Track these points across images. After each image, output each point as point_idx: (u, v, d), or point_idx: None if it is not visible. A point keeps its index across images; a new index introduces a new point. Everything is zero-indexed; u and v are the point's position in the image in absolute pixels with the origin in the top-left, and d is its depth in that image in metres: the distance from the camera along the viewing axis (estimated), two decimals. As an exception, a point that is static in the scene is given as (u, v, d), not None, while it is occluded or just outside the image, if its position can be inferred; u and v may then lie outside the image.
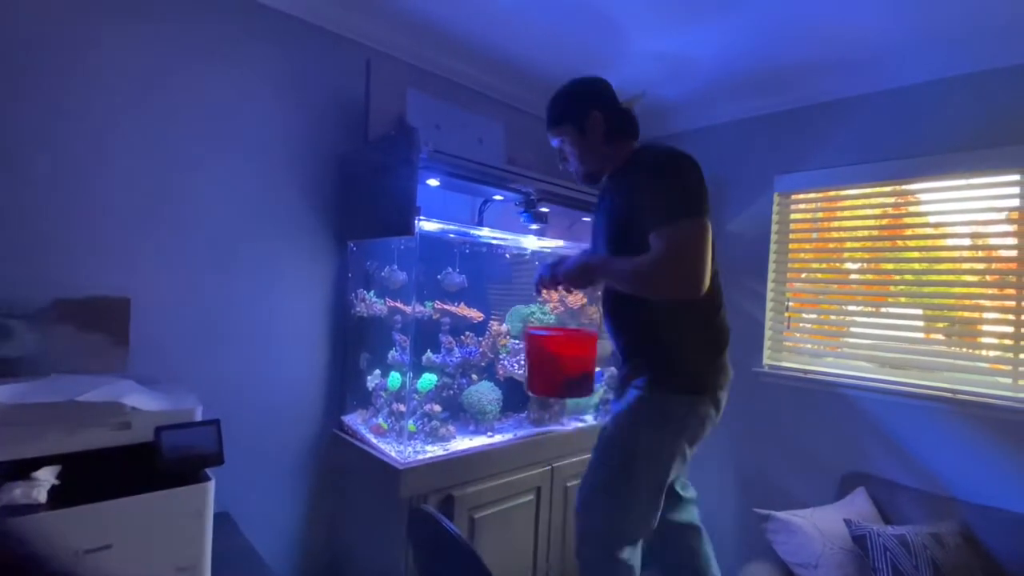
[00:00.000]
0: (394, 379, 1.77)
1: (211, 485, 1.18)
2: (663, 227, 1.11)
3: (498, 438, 1.79)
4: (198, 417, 1.24)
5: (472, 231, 1.83)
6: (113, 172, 1.44)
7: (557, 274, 1.33)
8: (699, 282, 1.09)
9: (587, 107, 1.33)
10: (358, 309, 1.86)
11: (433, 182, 1.74)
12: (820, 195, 2.25)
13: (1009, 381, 1.78)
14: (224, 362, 1.63)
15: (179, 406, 1.23)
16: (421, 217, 1.52)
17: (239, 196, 1.65)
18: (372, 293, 1.87)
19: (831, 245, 2.25)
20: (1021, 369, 1.77)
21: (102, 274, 1.42)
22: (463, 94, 2.23)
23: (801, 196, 2.30)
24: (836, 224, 2.24)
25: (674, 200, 1.13)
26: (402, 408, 1.68)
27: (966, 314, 1.90)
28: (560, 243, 2.10)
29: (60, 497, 1.03)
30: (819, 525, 1.73)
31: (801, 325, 2.32)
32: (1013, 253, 1.81)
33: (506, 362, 1.95)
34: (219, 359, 1.62)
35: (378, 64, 1.78)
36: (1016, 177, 1.79)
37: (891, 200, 2.09)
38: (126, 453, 1.14)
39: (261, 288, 1.71)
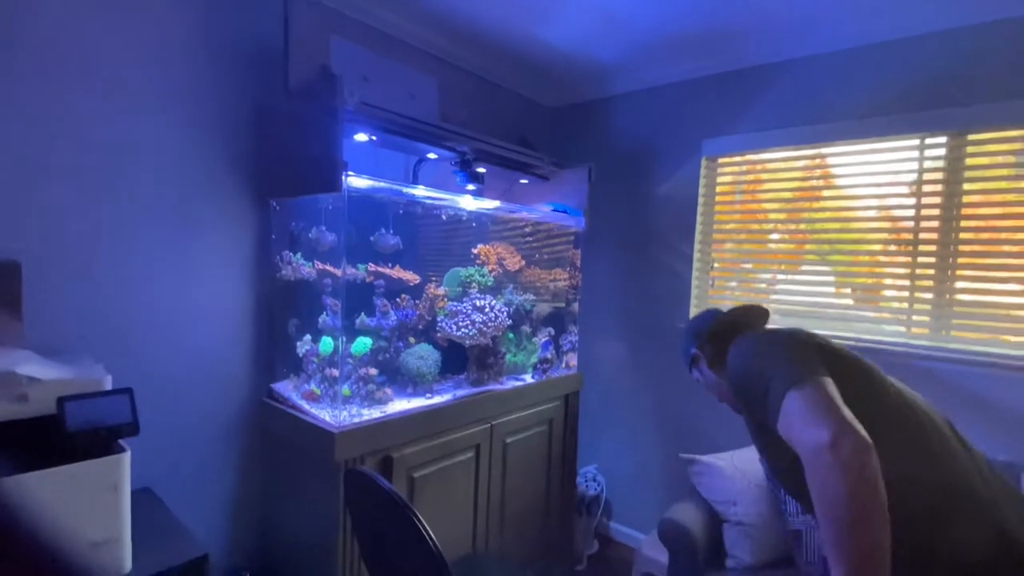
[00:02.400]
0: (326, 344, 1.72)
1: (126, 456, 1.11)
2: (784, 402, 0.88)
3: (437, 399, 1.79)
4: (107, 386, 1.15)
5: (405, 189, 1.77)
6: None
7: None
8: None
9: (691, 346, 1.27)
10: (284, 272, 1.77)
11: (362, 137, 1.66)
12: (744, 159, 2.35)
13: (904, 330, 1.97)
14: (135, 331, 1.52)
15: (84, 375, 1.14)
16: (349, 173, 1.45)
17: (144, 152, 1.51)
18: (299, 255, 1.79)
19: (753, 206, 2.37)
20: (914, 318, 1.96)
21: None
22: (394, 46, 2.12)
23: (727, 160, 2.39)
24: (758, 187, 2.35)
25: (783, 375, 0.89)
26: (335, 373, 1.63)
27: (871, 280, 2.08)
28: (497, 204, 2.08)
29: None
30: (738, 465, 1.86)
31: (728, 284, 2.44)
32: (910, 224, 1.97)
33: (445, 324, 1.94)
34: (128, 328, 1.51)
35: (298, 8, 1.66)
36: (915, 142, 1.94)
37: (808, 164, 2.22)
38: (25, 427, 1.04)
39: (173, 251, 1.59)
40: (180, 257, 1.60)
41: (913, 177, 1.96)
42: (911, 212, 1.97)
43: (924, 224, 1.94)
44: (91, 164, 1.42)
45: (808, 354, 0.90)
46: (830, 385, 0.82)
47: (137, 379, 1.30)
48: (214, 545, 1.71)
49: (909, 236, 1.98)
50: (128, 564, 1.12)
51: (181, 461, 1.62)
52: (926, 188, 1.94)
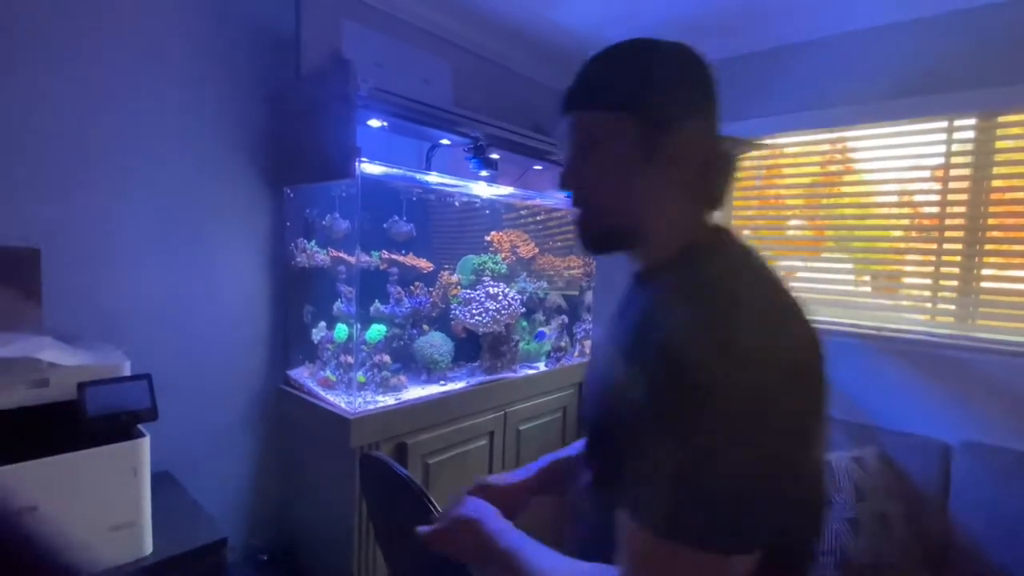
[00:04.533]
0: (341, 331, 1.72)
1: (146, 441, 1.12)
2: (633, 526, 0.49)
3: (451, 386, 1.79)
4: (126, 372, 1.17)
5: (419, 175, 1.76)
6: (12, 116, 1.28)
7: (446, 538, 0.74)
8: None
9: (674, 101, 0.61)
10: (299, 260, 1.77)
11: (375, 123, 1.65)
12: (763, 143, 2.29)
13: (927, 318, 1.92)
14: (152, 317, 1.53)
15: (103, 361, 1.15)
16: (363, 159, 1.44)
17: (159, 139, 1.51)
18: (313, 243, 1.79)
19: (771, 192, 2.32)
20: (939, 306, 1.91)
21: (6, 223, 1.28)
22: (407, 31, 2.10)
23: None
24: (778, 173, 2.30)
25: (688, 484, 0.46)
26: (350, 360, 1.64)
27: (892, 267, 2.03)
28: (510, 190, 2.06)
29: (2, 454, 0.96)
30: (755, 455, 1.84)
31: (743, 271, 2.41)
32: (935, 210, 1.91)
33: (459, 312, 1.93)
34: (146, 314, 1.52)
35: (310, -8, 1.64)
36: (943, 124, 1.88)
37: (829, 148, 2.16)
38: (46, 412, 1.06)
39: (189, 238, 1.59)
40: (196, 244, 1.60)
41: (939, 161, 1.90)
42: (936, 197, 1.91)
43: (951, 210, 1.88)
44: (107, 153, 1.43)
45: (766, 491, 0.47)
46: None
47: (155, 365, 1.31)
48: (232, 528, 1.73)
49: (934, 222, 1.92)
50: (148, 547, 1.13)
51: (199, 446, 1.64)
52: (953, 172, 1.88)
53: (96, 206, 1.42)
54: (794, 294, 0.57)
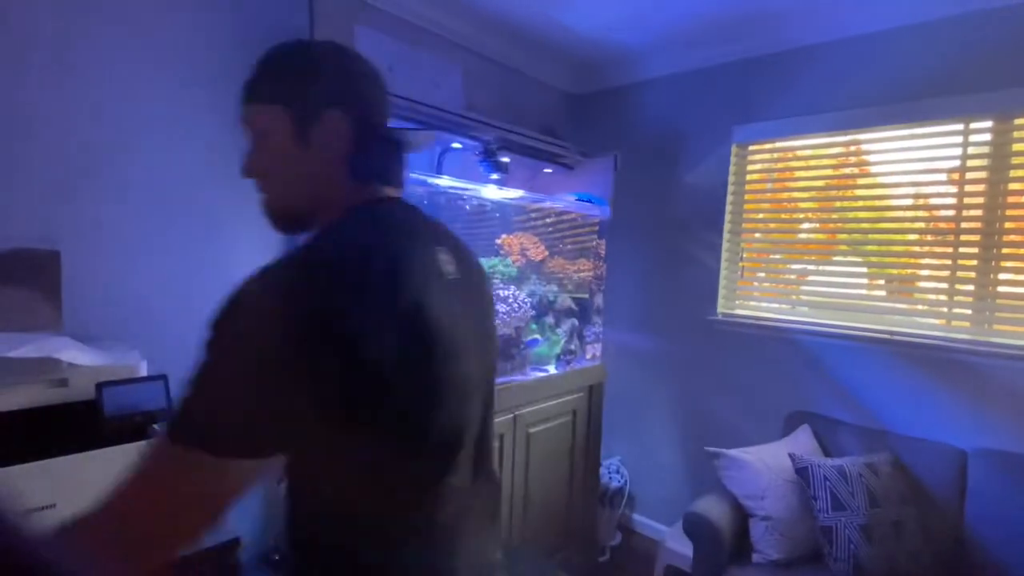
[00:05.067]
0: (353, 333, 1.73)
1: (161, 441, 1.14)
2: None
3: (460, 389, 1.79)
4: (142, 373, 1.19)
5: (430, 179, 1.77)
6: (35, 120, 1.31)
7: None
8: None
9: (319, 92, 0.65)
10: (312, 262, 1.79)
11: (387, 127, 1.66)
12: (775, 146, 2.28)
13: (943, 323, 1.90)
14: (169, 318, 1.55)
15: (121, 361, 1.17)
16: (375, 163, 1.45)
17: (175, 143, 1.54)
18: (327, 245, 1.81)
19: (784, 195, 2.30)
20: (955, 311, 1.88)
21: (27, 225, 1.31)
22: (418, 35, 2.11)
23: (757, 147, 2.32)
24: (790, 175, 2.29)
25: (183, 401, 0.53)
26: (362, 361, 1.65)
27: (906, 272, 2.00)
28: (521, 193, 2.06)
29: (4, 455, 0.98)
30: (766, 460, 1.83)
31: (756, 275, 2.39)
32: (951, 213, 1.89)
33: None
34: (163, 315, 1.54)
35: (324, -2, 1.66)
36: (959, 127, 1.86)
37: (842, 151, 2.14)
38: (65, 411, 1.08)
39: (204, 241, 1.62)
40: (212, 244, 1.63)
41: (955, 164, 1.88)
42: (952, 201, 1.89)
43: (967, 213, 1.86)
44: (124, 154, 1.45)
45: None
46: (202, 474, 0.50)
47: (170, 365, 1.33)
48: (244, 529, 1.75)
49: (950, 226, 1.90)
50: (164, 545, 1.15)
51: (213, 446, 1.66)
52: (969, 175, 1.86)
53: (114, 208, 1.45)
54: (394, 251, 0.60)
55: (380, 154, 0.68)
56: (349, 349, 0.51)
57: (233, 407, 0.51)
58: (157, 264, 1.53)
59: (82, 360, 1.10)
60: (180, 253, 1.57)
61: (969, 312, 1.86)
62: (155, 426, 1.16)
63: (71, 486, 1.02)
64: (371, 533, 0.58)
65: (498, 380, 1.88)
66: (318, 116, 0.64)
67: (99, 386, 1.09)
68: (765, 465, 1.82)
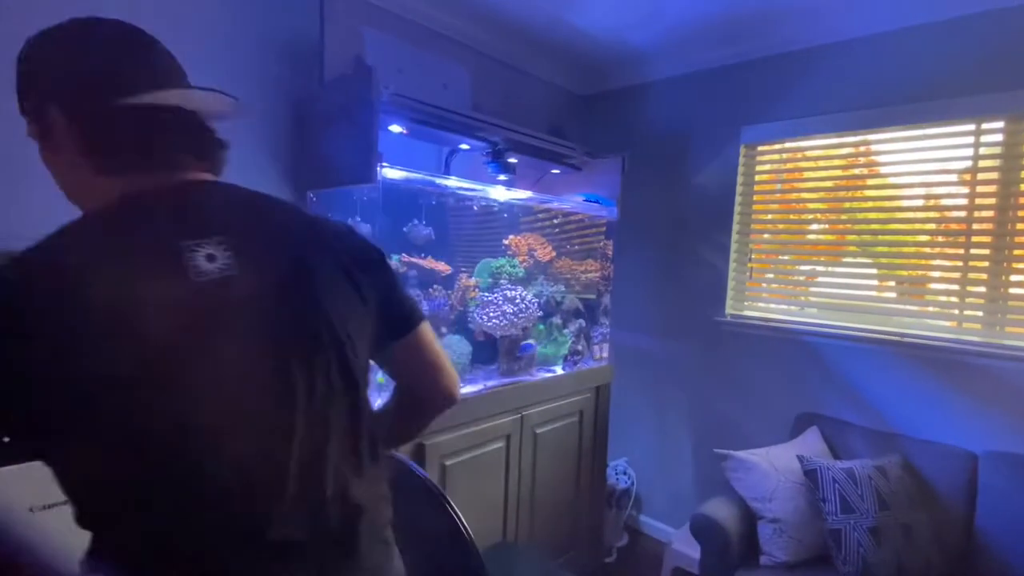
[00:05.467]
0: (361, 333, 1.75)
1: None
2: None
3: (468, 388, 1.80)
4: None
5: (438, 180, 1.78)
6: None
7: None
8: None
9: (40, 90, 0.63)
10: (322, 262, 1.80)
11: (396, 128, 1.67)
12: (785, 147, 2.27)
13: (955, 324, 1.88)
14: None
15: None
16: (384, 164, 1.46)
17: (188, 143, 1.56)
18: (336, 246, 1.82)
19: (793, 195, 2.29)
20: (966, 312, 1.87)
21: (34, 230, 1.33)
22: (427, 37, 2.13)
23: (766, 148, 2.32)
24: (799, 176, 2.28)
25: None
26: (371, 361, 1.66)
27: (917, 273, 1.99)
28: (528, 194, 2.07)
29: (9, 453, 0.99)
30: (774, 462, 1.82)
31: (765, 276, 2.38)
32: (963, 214, 1.87)
33: (477, 315, 1.95)
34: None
35: (332, 1, 1.67)
36: (971, 127, 1.84)
37: (852, 152, 2.13)
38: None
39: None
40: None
41: (967, 164, 1.86)
42: (964, 201, 1.88)
43: (978, 214, 1.84)
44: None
45: None
46: None
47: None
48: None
49: (961, 227, 1.88)
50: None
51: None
52: (981, 176, 1.84)
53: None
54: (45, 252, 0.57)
55: (131, 140, 0.62)
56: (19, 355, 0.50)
57: None
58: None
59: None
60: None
61: (981, 314, 1.84)
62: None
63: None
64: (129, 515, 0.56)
65: (506, 381, 1.89)
66: (46, 115, 0.60)
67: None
68: (773, 467, 1.81)
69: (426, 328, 0.82)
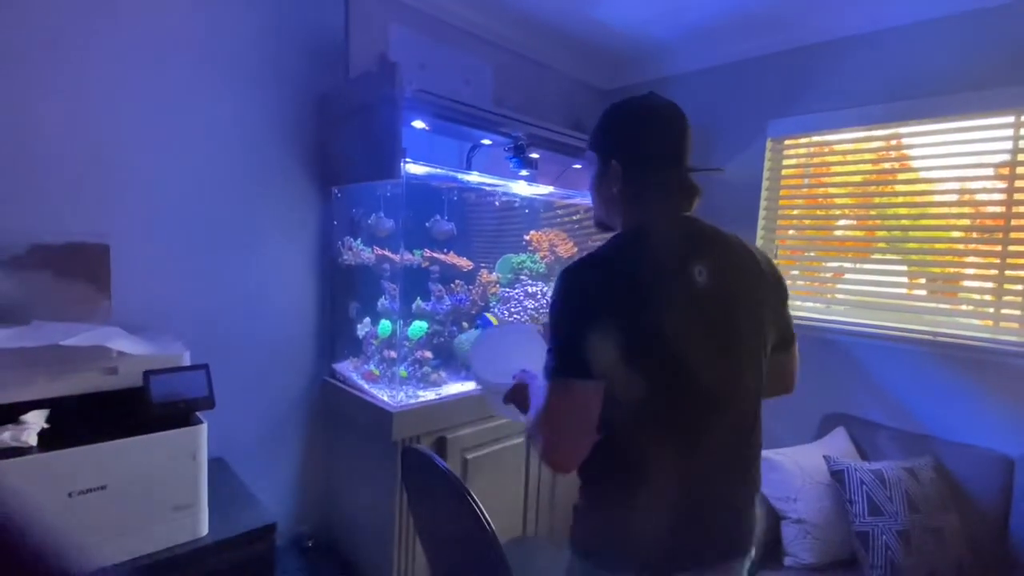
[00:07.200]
0: (384, 327, 1.77)
1: (203, 428, 1.18)
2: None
3: (489, 384, 1.81)
4: (186, 362, 1.23)
5: (460, 175, 1.79)
6: (89, 118, 1.37)
7: (515, 395, 1.07)
8: (556, 455, 0.81)
9: (612, 147, 0.94)
10: (345, 258, 1.83)
11: (419, 124, 1.68)
12: (812, 141, 2.22)
13: (990, 324, 1.82)
14: (209, 311, 1.61)
15: (166, 351, 1.22)
16: (407, 159, 1.47)
17: (217, 142, 1.59)
18: (359, 241, 1.84)
19: (820, 190, 2.24)
20: (1003, 311, 1.80)
21: (80, 220, 1.38)
22: (449, 32, 2.13)
23: (793, 142, 2.27)
24: (826, 171, 2.22)
25: (554, 345, 0.81)
26: (393, 355, 1.68)
27: (950, 270, 1.93)
28: (550, 189, 2.06)
29: (50, 440, 1.03)
30: (799, 462, 1.79)
31: (791, 272, 2.33)
32: (1000, 209, 1.81)
33: (497, 311, 1.95)
34: (203, 308, 1.60)
35: (358, -3, 1.69)
36: (1010, 119, 1.78)
37: (882, 145, 2.07)
38: (115, 397, 1.13)
39: (243, 237, 1.67)
40: (249, 241, 1.68)
41: (1005, 158, 1.80)
42: (1001, 196, 1.81)
43: (1017, 209, 1.78)
44: (166, 154, 1.51)
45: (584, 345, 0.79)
46: (576, 398, 0.79)
47: (209, 355, 1.38)
48: (280, 514, 1.81)
49: (998, 222, 1.82)
50: (205, 528, 1.20)
51: (250, 433, 1.72)
52: (1020, 170, 1.77)
53: (160, 205, 1.50)
54: (650, 251, 0.86)
55: (657, 189, 0.91)
56: (621, 312, 0.79)
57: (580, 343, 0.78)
58: (199, 259, 1.58)
59: (131, 349, 1.15)
60: (221, 249, 1.62)
61: (1019, 313, 1.78)
62: (198, 414, 1.21)
63: (120, 469, 1.07)
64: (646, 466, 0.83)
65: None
66: (608, 162, 0.93)
67: (146, 374, 1.14)
68: (798, 467, 1.78)
69: (796, 344, 1.07)
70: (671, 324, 0.80)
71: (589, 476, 0.89)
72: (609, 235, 0.93)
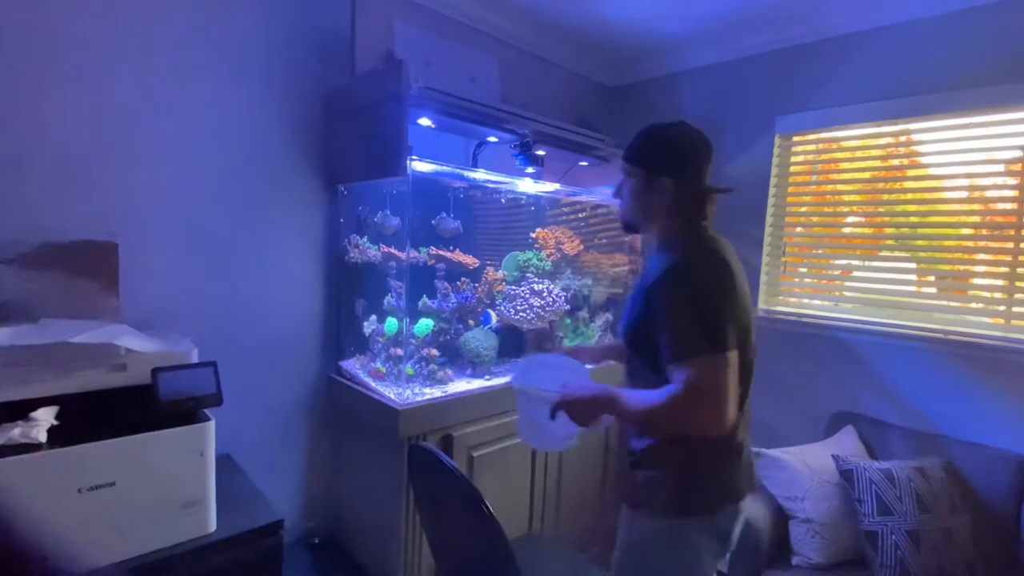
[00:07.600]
0: (391, 324, 1.77)
1: (211, 425, 1.18)
2: (680, 363, 0.96)
3: (496, 381, 1.81)
4: (194, 359, 1.24)
5: (466, 173, 1.78)
6: (97, 117, 1.37)
7: (567, 403, 1.09)
8: (722, 421, 0.94)
9: (666, 167, 1.11)
10: (351, 255, 1.83)
11: (425, 121, 1.68)
12: (820, 137, 2.20)
13: (1002, 321, 1.80)
14: (216, 308, 1.62)
15: (174, 348, 1.22)
16: (413, 157, 1.47)
17: (224, 139, 1.59)
18: (365, 239, 1.84)
19: (828, 187, 2.22)
20: (1014, 309, 1.79)
21: (89, 219, 1.38)
22: (455, 29, 2.12)
23: (801, 139, 2.25)
24: (835, 168, 2.21)
25: (691, 332, 0.95)
26: (400, 352, 1.68)
27: (960, 267, 1.91)
28: (556, 186, 2.06)
29: (59, 437, 1.04)
30: (807, 461, 1.78)
31: (799, 270, 2.32)
32: (1011, 206, 1.79)
33: (503, 309, 1.95)
34: (211, 305, 1.60)
35: (364, -6, 1.69)
36: (1021, 115, 1.75)
37: (891, 142, 2.05)
38: (123, 394, 1.14)
39: (251, 234, 1.67)
40: (257, 239, 1.68)
41: (1016, 155, 1.78)
42: (1013, 193, 1.79)
43: (1029, 206, 1.75)
44: (177, 153, 1.51)
45: (728, 317, 0.99)
46: (731, 365, 0.95)
47: (216, 353, 1.38)
48: (287, 511, 1.81)
49: (1010, 219, 1.80)
50: (213, 524, 1.20)
51: (257, 431, 1.72)
52: (1033, 166, 1.75)
53: (168, 202, 1.51)
54: (722, 259, 1.05)
55: (698, 201, 1.12)
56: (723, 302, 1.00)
57: (710, 322, 0.96)
58: (207, 257, 1.59)
59: (139, 347, 1.15)
60: (228, 246, 1.62)
61: (1030, 311, 1.76)
62: (206, 411, 1.21)
63: (129, 465, 1.07)
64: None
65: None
66: (658, 176, 1.11)
67: (155, 371, 1.15)
68: (806, 466, 1.77)
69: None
70: (745, 305, 1.05)
71: (677, 440, 1.06)
72: (629, 236, 1.09)
